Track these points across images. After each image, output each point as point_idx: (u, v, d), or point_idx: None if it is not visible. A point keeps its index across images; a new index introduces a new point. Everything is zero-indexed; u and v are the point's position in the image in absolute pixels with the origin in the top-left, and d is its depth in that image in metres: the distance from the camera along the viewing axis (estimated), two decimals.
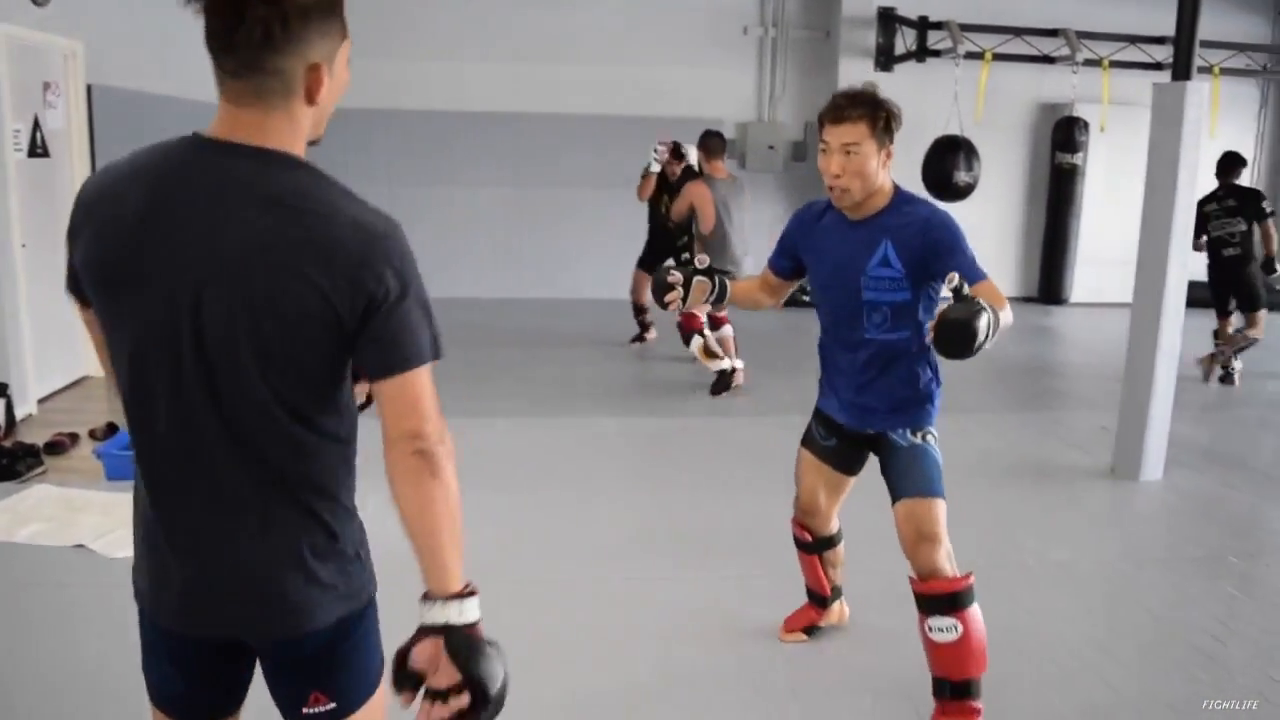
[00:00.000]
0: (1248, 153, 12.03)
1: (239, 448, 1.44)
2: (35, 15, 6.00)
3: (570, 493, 4.89)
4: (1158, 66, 10.09)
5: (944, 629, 2.76)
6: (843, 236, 2.87)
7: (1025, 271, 11.71)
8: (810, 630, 3.45)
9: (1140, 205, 5.31)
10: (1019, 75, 10.64)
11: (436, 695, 1.45)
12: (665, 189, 7.85)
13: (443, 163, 10.61)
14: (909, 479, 2.84)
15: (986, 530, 4.44)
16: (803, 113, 11.21)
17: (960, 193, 9.57)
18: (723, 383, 6.88)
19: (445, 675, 1.45)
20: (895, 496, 2.87)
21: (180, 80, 6.92)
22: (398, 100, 10.32)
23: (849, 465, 3.14)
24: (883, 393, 2.90)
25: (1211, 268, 7.69)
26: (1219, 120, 9.83)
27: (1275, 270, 7.44)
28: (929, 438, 2.89)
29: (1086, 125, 10.72)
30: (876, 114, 2.75)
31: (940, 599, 2.77)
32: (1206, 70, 10.01)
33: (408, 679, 1.47)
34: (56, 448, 5.25)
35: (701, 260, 3.05)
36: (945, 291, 2.41)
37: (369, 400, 1.55)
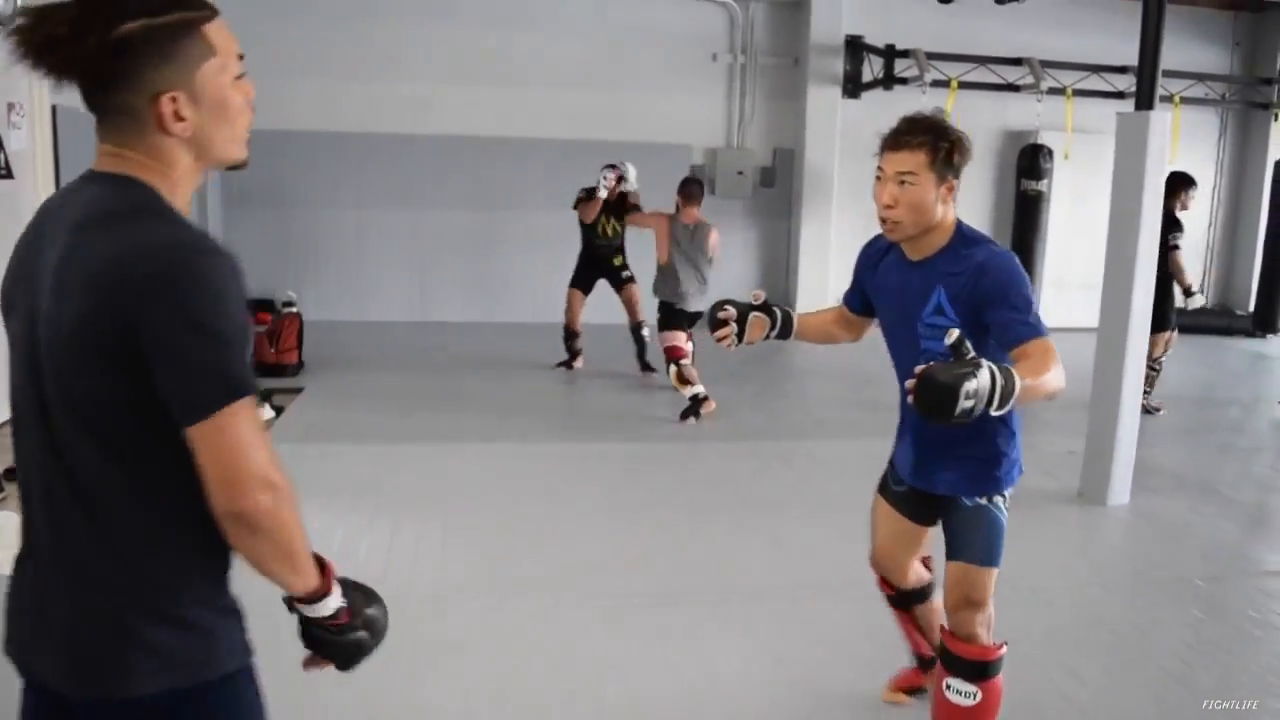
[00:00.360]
0: (1207, 180, 12.27)
1: (70, 484, 1.37)
2: None
3: (539, 518, 4.86)
4: (1120, 95, 10.27)
5: (964, 693, 2.69)
6: (902, 278, 2.68)
7: None
8: (913, 692, 3.22)
9: (1104, 231, 5.38)
10: (984, 103, 10.77)
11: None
12: (605, 209, 8.06)
13: (409, 186, 10.56)
14: (967, 542, 2.69)
15: None
16: (771, 139, 11.28)
17: None
18: (693, 408, 6.96)
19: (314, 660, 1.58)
20: (950, 554, 2.73)
21: None
22: (363, 123, 10.29)
23: (923, 515, 2.90)
24: (948, 454, 2.70)
25: None
26: (1180, 148, 9.99)
27: (1191, 294, 7.33)
28: (997, 500, 2.70)
29: (1051, 152, 10.87)
30: (938, 143, 2.55)
31: (969, 664, 2.68)
32: (1167, 99, 10.18)
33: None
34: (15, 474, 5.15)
35: (757, 295, 2.89)
36: (946, 343, 2.18)
37: None
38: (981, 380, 2.08)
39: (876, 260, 2.80)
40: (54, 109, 6.58)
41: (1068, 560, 4.65)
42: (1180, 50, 9.59)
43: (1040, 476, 5.84)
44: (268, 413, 6.33)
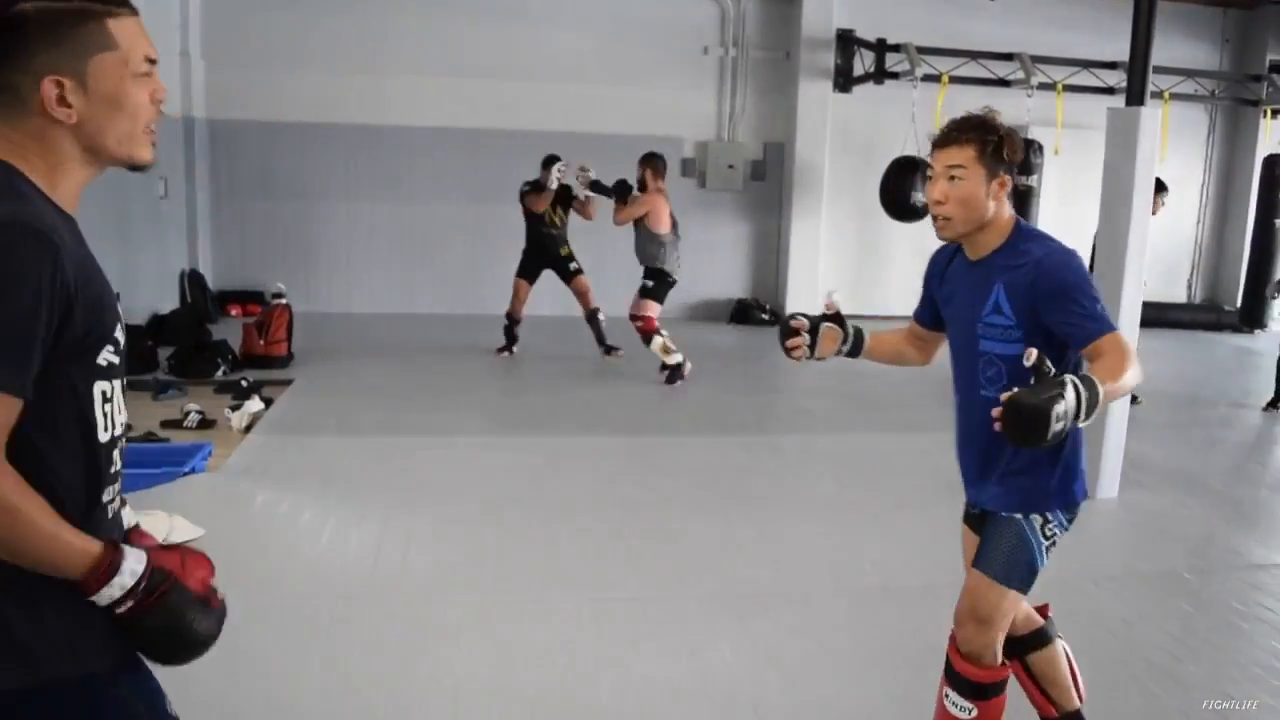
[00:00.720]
0: (1196, 177, 12.32)
1: None
2: None
3: (529, 511, 4.85)
4: (1110, 91, 10.29)
5: (960, 708, 2.59)
6: (965, 279, 2.57)
7: None
8: None
9: (1094, 226, 5.39)
10: (975, 98, 10.60)
11: None
12: (553, 200, 8.47)
13: (400, 178, 10.55)
14: (987, 552, 2.54)
15: (944, 548, 4.45)
16: (762, 132, 11.28)
17: (918, 213, 9.66)
18: (677, 373, 7.76)
19: None
20: (974, 561, 2.59)
21: None
22: (354, 115, 10.28)
23: None
24: (998, 466, 2.53)
25: None
26: (1169, 144, 10.03)
27: None
28: (1034, 519, 2.51)
29: (1041, 148, 10.86)
30: (986, 137, 2.48)
31: (966, 682, 2.58)
32: (1157, 95, 10.21)
33: None
34: None
35: (830, 305, 2.74)
36: (1026, 365, 2.08)
37: None
38: (1069, 398, 2.02)
39: (943, 267, 2.69)
40: None
41: (1057, 554, 4.63)
42: (1170, 46, 9.61)
43: None
44: (256, 404, 6.31)
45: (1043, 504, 2.50)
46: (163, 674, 1.56)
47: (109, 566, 1.37)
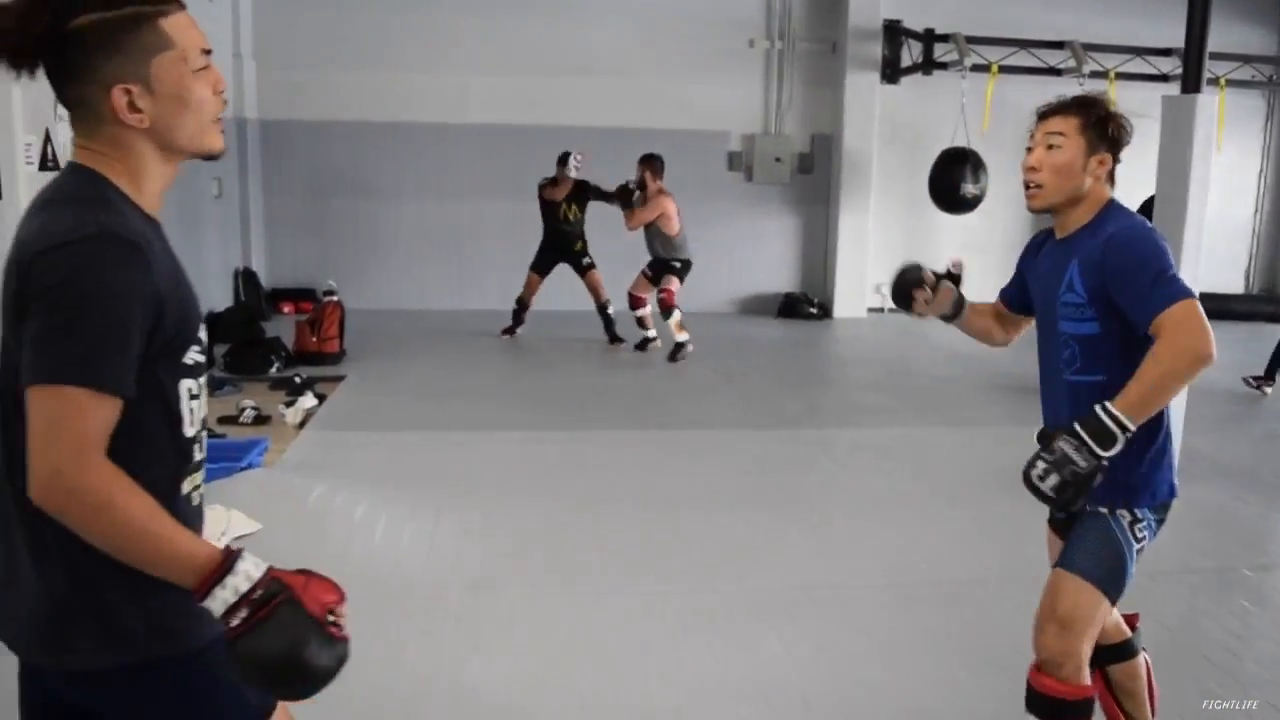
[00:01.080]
0: (1253, 165, 12.04)
1: (7, 451, 1.42)
2: None
3: (579, 505, 4.88)
4: (1164, 78, 10.11)
5: None
6: (1049, 257, 2.50)
7: None
8: None
9: (1149, 217, 5.31)
10: (1025, 87, 10.58)
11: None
12: (568, 195, 8.74)
13: (447, 175, 10.64)
14: (1072, 548, 2.38)
15: (999, 543, 4.43)
16: (809, 125, 11.22)
17: (967, 205, 9.57)
18: (681, 351, 8.28)
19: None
20: (1058, 560, 2.43)
21: None
22: (401, 113, 10.39)
23: None
24: None
25: None
26: (1224, 132, 9.84)
27: None
28: (1121, 514, 2.36)
29: None
30: (1090, 111, 2.40)
31: (1040, 699, 2.33)
32: (1213, 82, 10.01)
33: None
34: None
35: (956, 263, 2.78)
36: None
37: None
38: (1058, 449, 2.03)
39: (1038, 248, 2.61)
40: None
41: None
42: (1225, 31, 9.39)
43: None
44: (310, 401, 6.40)
45: (1130, 497, 2.37)
46: None
47: (223, 563, 1.34)
